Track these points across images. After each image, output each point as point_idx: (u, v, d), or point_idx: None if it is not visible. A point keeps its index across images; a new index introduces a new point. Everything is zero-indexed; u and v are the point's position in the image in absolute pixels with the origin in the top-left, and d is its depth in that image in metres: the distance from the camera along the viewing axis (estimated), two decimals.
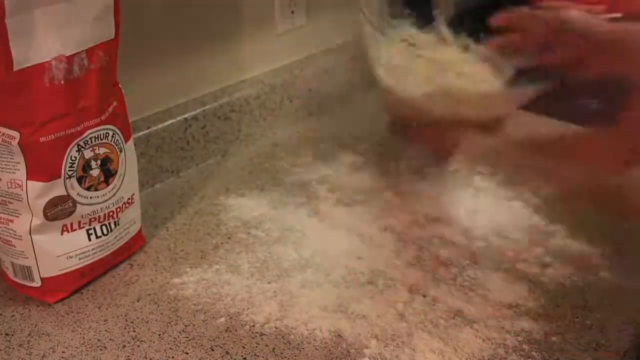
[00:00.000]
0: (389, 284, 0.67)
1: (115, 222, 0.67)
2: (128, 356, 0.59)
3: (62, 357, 0.59)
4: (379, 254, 0.72)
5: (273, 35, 0.97)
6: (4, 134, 0.58)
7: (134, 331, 0.62)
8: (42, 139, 0.59)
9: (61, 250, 0.64)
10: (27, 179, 0.60)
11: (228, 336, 0.61)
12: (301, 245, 0.73)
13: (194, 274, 0.69)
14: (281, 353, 0.59)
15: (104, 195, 0.65)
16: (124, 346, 0.60)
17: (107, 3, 0.61)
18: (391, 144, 0.93)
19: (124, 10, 0.64)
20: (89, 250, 0.66)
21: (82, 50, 0.60)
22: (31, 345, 0.61)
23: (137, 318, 0.64)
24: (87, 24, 0.60)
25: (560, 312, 0.63)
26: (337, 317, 0.63)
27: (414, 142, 0.83)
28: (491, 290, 0.66)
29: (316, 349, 0.60)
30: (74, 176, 0.62)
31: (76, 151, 0.61)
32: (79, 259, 0.65)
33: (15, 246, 0.63)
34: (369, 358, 0.59)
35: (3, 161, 0.59)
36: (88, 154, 0.62)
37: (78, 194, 0.63)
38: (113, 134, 0.64)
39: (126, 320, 0.63)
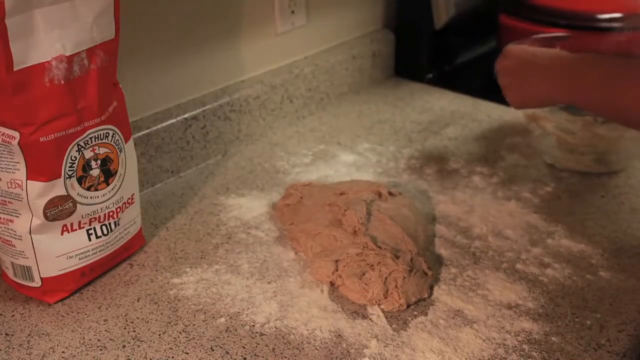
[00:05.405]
0: None
1: (115, 222, 0.67)
2: (128, 356, 0.59)
3: (62, 357, 0.59)
4: None
5: (273, 35, 0.97)
6: (4, 134, 0.58)
7: (134, 331, 0.62)
8: (42, 139, 0.59)
9: (61, 250, 0.64)
10: (27, 179, 0.60)
11: (228, 336, 0.61)
12: None
13: (194, 274, 0.69)
14: (281, 353, 0.59)
15: (104, 195, 0.65)
16: (124, 346, 0.60)
17: (107, 3, 0.61)
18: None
19: (124, 10, 0.64)
20: (89, 250, 0.66)
21: (82, 50, 0.60)
22: (31, 345, 0.61)
23: (137, 318, 0.64)
24: (87, 24, 0.60)
25: (560, 312, 0.63)
26: (337, 317, 0.63)
27: None
28: (491, 290, 0.66)
29: (316, 349, 0.60)
30: (74, 176, 0.62)
31: (76, 151, 0.61)
32: (79, 259, 0.65)
33: (15, 246, 0.63)
34: (369, 358, 0.59)
35: (3, 161, 0.59)
36: (88, 154, 0.62)
37: (78, 194, 0.63)
38: (113, 134, 0.64)
39: (126, 320, 0.63)
